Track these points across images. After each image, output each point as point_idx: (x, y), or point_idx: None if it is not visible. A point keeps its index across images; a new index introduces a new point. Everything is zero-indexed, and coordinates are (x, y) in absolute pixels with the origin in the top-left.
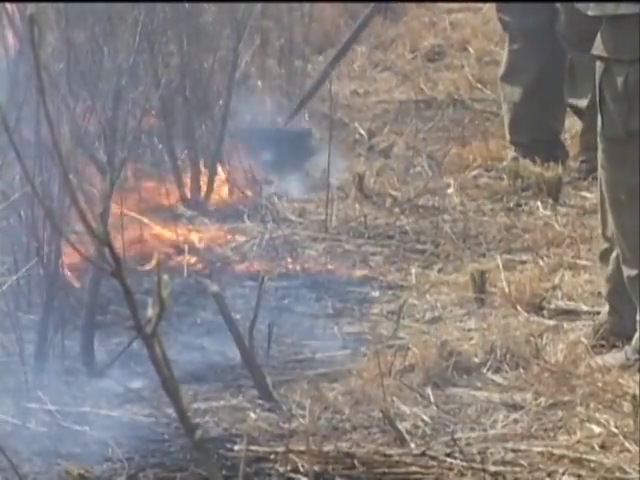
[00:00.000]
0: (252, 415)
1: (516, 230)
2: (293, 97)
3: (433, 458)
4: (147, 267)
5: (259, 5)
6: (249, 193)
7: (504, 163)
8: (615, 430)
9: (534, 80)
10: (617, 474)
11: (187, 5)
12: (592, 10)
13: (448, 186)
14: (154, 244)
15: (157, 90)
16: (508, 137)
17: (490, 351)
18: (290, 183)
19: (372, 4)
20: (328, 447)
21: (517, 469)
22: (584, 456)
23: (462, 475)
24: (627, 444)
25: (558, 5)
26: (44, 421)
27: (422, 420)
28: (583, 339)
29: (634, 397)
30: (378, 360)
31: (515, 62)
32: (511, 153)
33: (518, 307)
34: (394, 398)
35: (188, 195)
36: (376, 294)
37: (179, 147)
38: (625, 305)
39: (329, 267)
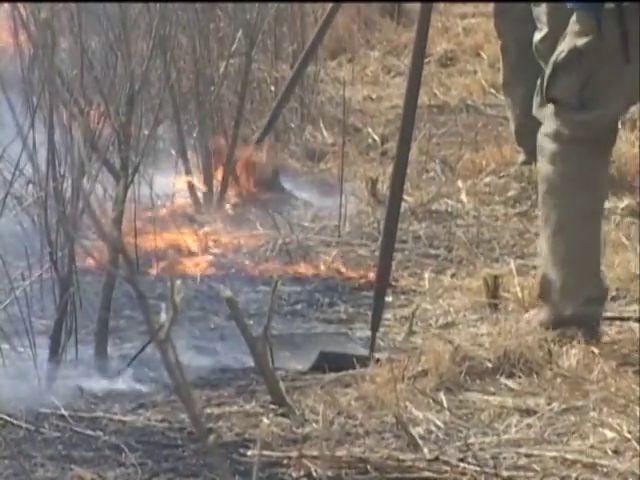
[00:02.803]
0: (265, 420)
1: (529, 235)
2: (305, 102)
3: (446, 463)
4: (160, 272)
5: (272, 10)
6: (262, 198)
7: (515, 167)
8: (628, 435)
9: (530, 91)
10: (630, 479)
11: (200, 10)
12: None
13: (461, 191)
14: (167, 249)
15: (170, 95)
16: (517, 142)
17: (503, 356)
18: (304, 188)
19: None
20: (341, 452)
21: (530, 474)
22: (597, 461)
23: None
24: None
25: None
26: (57, 426)
27: (435, 425)
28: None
29: None
30: (391, 365)
31: (510, 75)
32: (521, 157)
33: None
34: (407, 403)
35: (201, 200)
36: (389, 299)
37: (192, 151)
38: None
39: (342, 272)
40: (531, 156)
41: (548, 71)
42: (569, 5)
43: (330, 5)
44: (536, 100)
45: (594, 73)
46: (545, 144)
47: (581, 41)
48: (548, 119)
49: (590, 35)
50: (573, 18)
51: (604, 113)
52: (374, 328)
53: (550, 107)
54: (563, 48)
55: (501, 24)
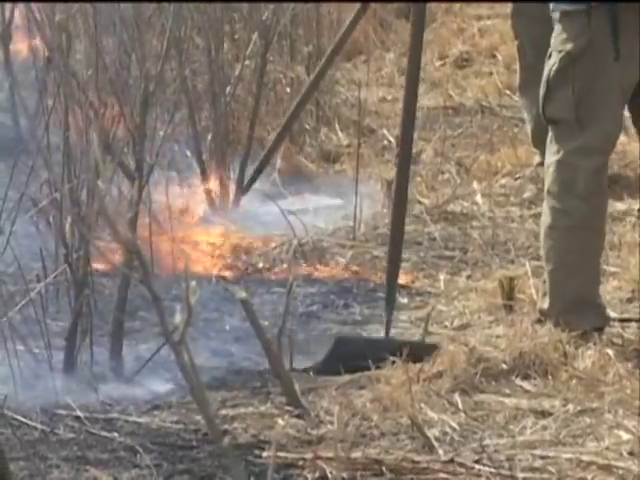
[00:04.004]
0: (280, 422)
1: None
2: (320, 104)
3: (461, 465)
4: (175, 273)
5: (288, 12)
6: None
7: (530, 169)
8: None
9: None
10: None
11: (216, 11)
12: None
13: (476, 193)
14: (182, 250)
15: (185, 96)
16: (532, 144)
17: (518, 358)
18: (319, 190)
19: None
20: (356, 454)
21: (545, 476)
22: (612, 463)
23: None
24: None
25: None
26: (72, 427)
27: (450, 427)
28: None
29: None
30: (406, 367)
31: (527, 76)
32: (537, 158)
33: None
34: (422, 405)
35: (216, 201)
36: (404, 300)
37: (207, 152)
38: None
39: (357, 273)
40: None
41: (542, 91)
42: (555, 11)
43: (357, 7)
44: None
45: (588, 83)
46: (549, 183)
47: (570, 45)
48: (548, 149)
49: (579, 37)
50: (556, 31)
51: (603, 131)
52: (389, 311)
53: (550, 135)
54: (554, 61)
55: (518, 24)
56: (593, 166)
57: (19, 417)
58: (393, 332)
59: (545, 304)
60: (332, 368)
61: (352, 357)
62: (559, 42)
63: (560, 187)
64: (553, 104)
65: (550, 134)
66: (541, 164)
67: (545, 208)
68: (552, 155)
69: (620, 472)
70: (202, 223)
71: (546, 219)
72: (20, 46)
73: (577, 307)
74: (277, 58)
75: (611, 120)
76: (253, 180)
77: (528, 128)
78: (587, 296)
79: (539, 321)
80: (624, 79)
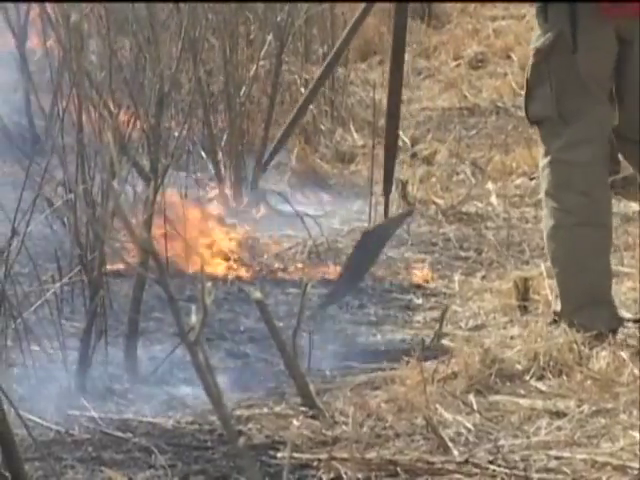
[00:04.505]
0: (295, 422)
1: None
2: (335, 104)
3: (476, 465)
4: (191, 274)
5: (303, 12)
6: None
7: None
8: None
9: None
10: None
11: (231, 12)
12: None
13: (491, 193)
14: (197, 251)
15: (200, 97)
16: None
17: (533, 358)
18: (334, 190)
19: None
20: (371, 454)
21: (560, 477)
22: (627, 464)
23: None
24: None
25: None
26: (87, 428)
27: (465, 427)
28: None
29: None
30: (421, 367)
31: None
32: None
33: None
34: (437, 405)
35: (231, 202)
36: (419, 301)
37: (222, 153)
38: None
39: (372, 274)
40: None
41: (524, 92)
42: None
43: (361, 6)
44: None
45: (563, 78)
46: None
47: (540, 41)
48: (540, 152)
49: (547, 32)
50: (535, 35)
51: (586, 122)
52: (387, 190)
53: (538, 138)
54: (530, 62)
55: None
56: (585, 158)
57: (34, 418)
58: (407, 333)
59: (557, 306)
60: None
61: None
62: (534, 39)
63: (557, 187)
64: (534, 103)
65: (538, 137)
66: None
67: (545, 211)
68: (543, 157)
69: (635, 473)
70: (217, 224)
71: (548, 222)
72: (35, 46)
73: (589, 307)
74: (292, 59)
75: (592, 110)
76: (267, 164)
77: None
78: (598, 295)
79: (554, 322)
80: (592, 70)
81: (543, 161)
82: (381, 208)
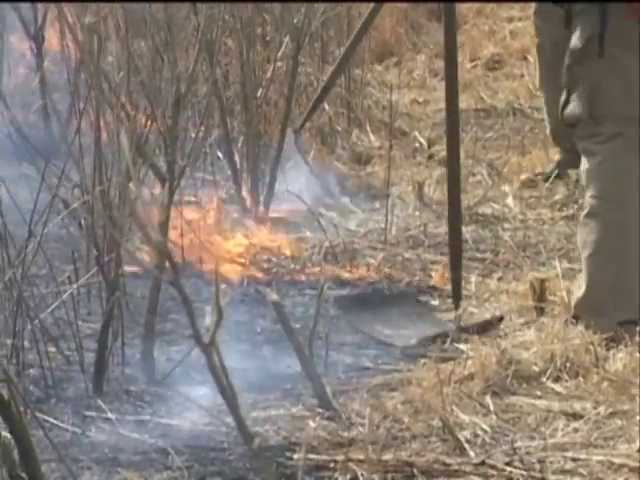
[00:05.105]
0: (311, 424)
1: (576, 238)
2: (352, 106)
3: (492, 467)
4: (206, 276)
5: (319, 13)
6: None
7: (550, 166)
8: None
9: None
10: None
11: (248, 13)
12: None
13: (507, 195)
14: (213, 253)
15: (217, 99)
16: (552, 141)
17: (550, 360)
18: (350, 192)
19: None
20: (387, 456)
21: (577, 478)
22: None
23: None
24: None
25: None
26: (104, 429)
27: (481, 429)
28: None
29: None
30: (437, 369)
31: (545, 75)
32: (557, 156)
33: None
34: (453, 407)
35: (248, 204)
36: (435, 302)
37: (239, 155)
38: None
39: (389, 276)
40: (567, 155)
41: (563, 97)
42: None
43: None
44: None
45: (595, 81)
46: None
47: (575, 44)
48: (583, 155)
49: (582, 35)
50: (574, 38)
51: (615, 119)
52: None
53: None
54: (565, 64)
55: (540, 23)
56: (619, 152)
57: (50, 419)
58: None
59: (580, 292)
60: None
61: None
62: (572, 42)
63: (607, 185)
64: (569, 107)
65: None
66: (561, 162)
67: (591, 210)
68: (583, 164)
69: None
70: (234, 225)
71: (586, 212)
72: (52, 48)
73: (612, 295)
74: (308, 60)
75: (620, 109)
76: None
77: (547, 125)
78: (624, 284)
79: (573, 317)
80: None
81: (582, 167)
82: (397, 211)
